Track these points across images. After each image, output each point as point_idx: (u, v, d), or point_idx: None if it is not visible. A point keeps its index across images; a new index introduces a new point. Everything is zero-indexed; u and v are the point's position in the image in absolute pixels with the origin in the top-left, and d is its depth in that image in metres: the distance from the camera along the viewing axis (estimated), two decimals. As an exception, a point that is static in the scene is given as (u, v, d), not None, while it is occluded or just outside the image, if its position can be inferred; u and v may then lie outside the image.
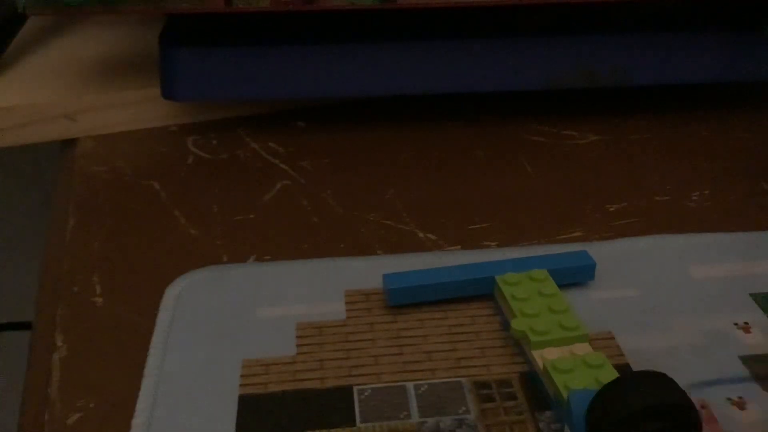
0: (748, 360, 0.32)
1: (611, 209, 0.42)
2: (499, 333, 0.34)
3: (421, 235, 0.40)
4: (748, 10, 0.48)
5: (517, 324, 0.33)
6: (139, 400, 0.31)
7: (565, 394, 0.29)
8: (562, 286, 0.36)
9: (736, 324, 0.34)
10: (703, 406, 0.30)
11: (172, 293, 0.36)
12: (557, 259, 0.36)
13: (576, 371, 0.30)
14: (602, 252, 0.38)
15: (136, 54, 0.53)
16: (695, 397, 0.30)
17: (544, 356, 0.31)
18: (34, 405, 0.33)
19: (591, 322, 0.34)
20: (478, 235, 0.40)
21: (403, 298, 0.35)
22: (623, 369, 0.32)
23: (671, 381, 0.26)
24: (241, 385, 0.32)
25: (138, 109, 0.50)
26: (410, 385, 0.31)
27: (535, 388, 0.31)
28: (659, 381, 0.26)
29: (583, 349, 0.31)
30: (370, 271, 0.37)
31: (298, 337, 0.34)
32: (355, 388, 0.31)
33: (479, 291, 0.35)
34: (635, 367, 0.32)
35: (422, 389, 0.31)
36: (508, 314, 0.34)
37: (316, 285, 0.37)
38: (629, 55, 0.47)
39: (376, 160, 0.47)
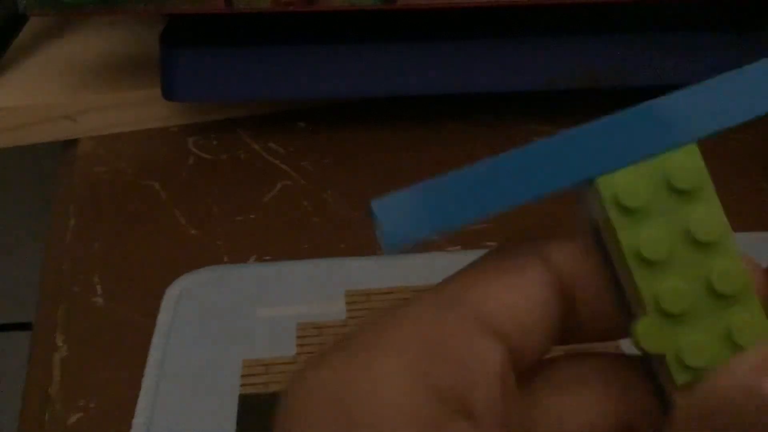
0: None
1: (611, 209, 0.42)
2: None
3: (421, 235, 0.40)
4: (747, 11, 0.48)
5: (646, 331, 0.18)
6: (139, 400, 0.31)
7: None
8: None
9: (736, 324, 0.34)
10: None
11: (172, 293, 0.36)
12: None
13: None
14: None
15: (136, 54, 0.53)
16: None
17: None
18: (34, 405, 0.34)
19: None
20: (478, 236, 0.40)
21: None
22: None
23: None
24: (241, 385, 0.32)
25: (138, 110, 0.50)
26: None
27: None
28: None
29: None
30: (370, 271, 0.37)
31: (298, 337, 0.34)
32: (355, 388, 0.31)
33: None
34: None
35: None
36: (618, 266, 0.19)
37: (316, 285, 0.37)
38: (629, 55, 0.47)
39: (376, 160, 0.47)
